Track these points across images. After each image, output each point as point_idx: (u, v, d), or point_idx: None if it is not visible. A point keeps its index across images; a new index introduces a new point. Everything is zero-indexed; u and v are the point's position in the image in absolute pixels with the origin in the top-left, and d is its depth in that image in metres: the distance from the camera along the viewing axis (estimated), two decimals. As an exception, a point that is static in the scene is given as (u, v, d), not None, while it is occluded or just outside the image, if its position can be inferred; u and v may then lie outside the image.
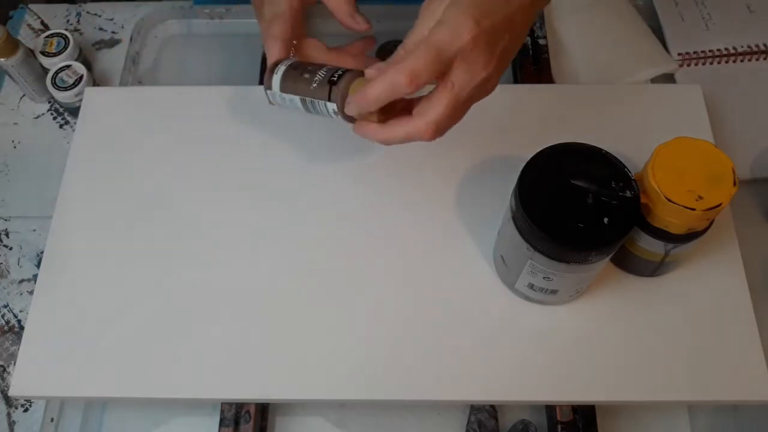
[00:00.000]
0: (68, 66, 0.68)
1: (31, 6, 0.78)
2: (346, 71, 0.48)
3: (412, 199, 0.58)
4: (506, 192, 0.49)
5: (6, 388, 0.59)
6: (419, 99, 0.45)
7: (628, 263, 0.54)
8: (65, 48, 0.69)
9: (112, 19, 0.77)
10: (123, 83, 0.72)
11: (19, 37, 0.72)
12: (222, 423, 0.54)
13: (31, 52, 0.68)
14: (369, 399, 0.51)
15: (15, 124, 0.71)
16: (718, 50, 0.71)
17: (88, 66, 0.70)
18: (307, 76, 0.49)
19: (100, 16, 0.78)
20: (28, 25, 0.77)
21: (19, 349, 0.53)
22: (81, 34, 0.76)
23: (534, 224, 0.44)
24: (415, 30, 0.44)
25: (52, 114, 0.72)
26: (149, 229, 0.57)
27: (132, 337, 0.53)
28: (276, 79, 0.50)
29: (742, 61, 0.70)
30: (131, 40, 0.74)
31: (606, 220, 0.44)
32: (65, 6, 0.78)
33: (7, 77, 0.71)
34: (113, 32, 0.76)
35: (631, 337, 0.53)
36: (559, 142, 0.47)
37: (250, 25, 0.72)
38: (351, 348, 0.52)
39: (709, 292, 0.54)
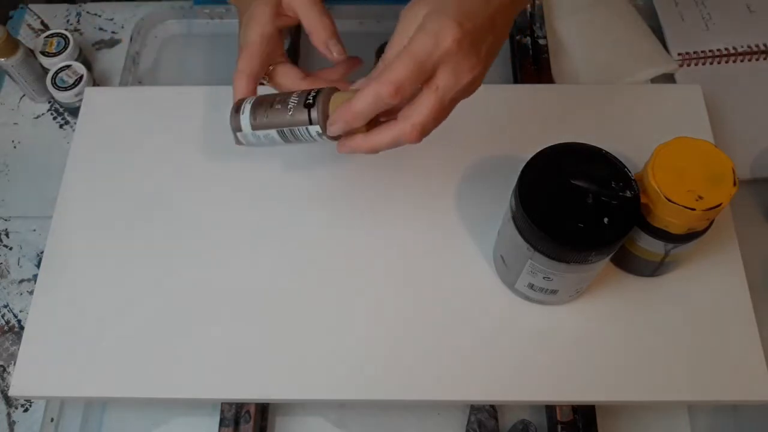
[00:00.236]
0: (68, 66, 0.68)
1: (31, 6, 0.78)
2: (318, 91, 0.46)
3: (412, 199, 0.58)
4: (506, 192, 0.49)
5: (6, 388, 0.59)
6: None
7: (628, 263, 0.54)
8: (65, 48, 0.69)
9: (112, 19, 0.77)
10: (123, 83, 0.72)
11: (19, 37, 0.72)
12: (222, 423, 0.54)
13: (31, 52, 0.68)
14: (369, 399, 0.51)
15: (15, 124, 0.71)
16: (718, 50, 0.71)
17: (88, 66, 0.70)
18: (279, 106, 0.46)
19: (100, 16, 0.78)
20: (28, 25, 0.77)
21: (19, 349, 0.53)
22: (81, 34, 0.76)
23: (534, 224, 0.44)
24: (395, 38, 0.43)
25: (52, 114, 0.72)
26: (149, 229, 0.57)
27: (132, 337, 0.53)
28: (245, 118, 0.48)
29: (742, 61, 0.70)
30: (131, 40, 0.74)
31: (606, 220, 0.44)
32: (65, 6, 0.78)
33: (7, 77, 0.71)
34: (113, 32, 0.76)
35: (631, 337, 0.53)
36: (559, 142, 0.47)
37: (250, 25, 0.72)
38: (351, 348, 0.52)
39: (709, 292, 0.54)
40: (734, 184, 0.46)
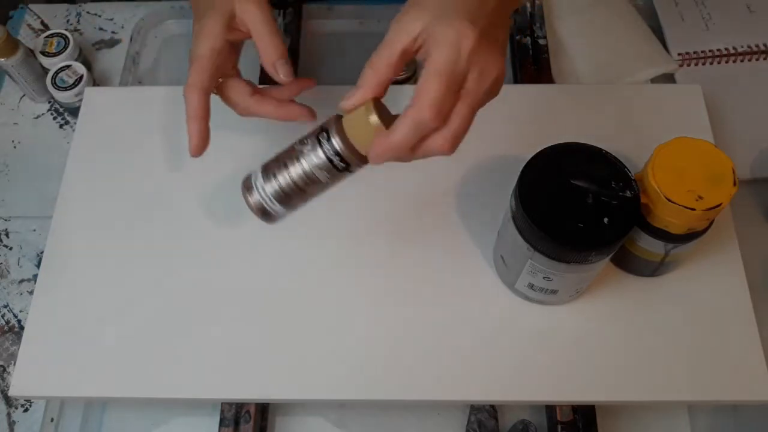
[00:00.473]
0: (68, 66, 0.68)
1: (31, 6, 0.78)
2: (324, 127, 0.44)
3: (412, 199, 0.58)
4: (506, 192, 0.49)
5: (6, 388, 0.59)
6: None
7: (628, 263, 0.54)
8: (65, 48, 0.69)
9: (112, 19, 0.77)
10: (123, 83, 0.72)
11: (19, 37, 0.72)
12: (222, 423, 0.54)
13: (31, 52, 0.68)
14: (369, 399, 0.51)
15: (15, 124, 0.71)
16: (718, 50, 0.71)
17: (88, 66, 0.70)
18: (288, 160, 0.45)
19: (100, 16, 0.78)
20: (28, 25, 0.77)
21: (19, 349, 0.53)
22: (81, 34, 0.76)
23: (534, 224, 0.44)
24: (384, 46, 0.42)
25: (52, 114, 0.72)
26: (149, 229, 0.57)
27: (132, 337, 0.53)
28: (267, 199, 0.46)
29: (742, 61, 0.70)
30: (131, 40, 0.75)
31: (606, 220, 0.44)
32: (65, 6, 0.78)
33: (7, 77, 0.71)
34: (113, 32, 0.76)
35: (631, 337, 0.53)
36: (559, 142, 0.47)
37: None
38: (351, 348, 0.52)
39: (709, 292, 0.54)
40: (734, 184, 0.46)
